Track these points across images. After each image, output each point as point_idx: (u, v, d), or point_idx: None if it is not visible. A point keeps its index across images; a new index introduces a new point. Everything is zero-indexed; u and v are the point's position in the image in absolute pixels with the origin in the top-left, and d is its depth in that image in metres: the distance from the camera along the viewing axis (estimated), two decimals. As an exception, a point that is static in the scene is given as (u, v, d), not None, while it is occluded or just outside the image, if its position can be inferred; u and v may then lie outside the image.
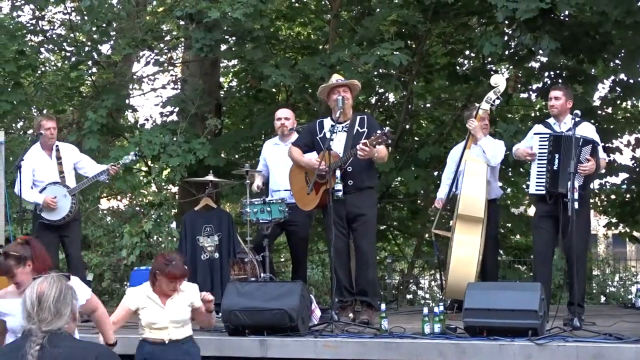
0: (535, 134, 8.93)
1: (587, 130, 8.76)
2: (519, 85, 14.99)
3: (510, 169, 13.80)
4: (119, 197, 16.67)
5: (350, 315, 8.82)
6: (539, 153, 8.70)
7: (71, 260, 10.00)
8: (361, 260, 9.03)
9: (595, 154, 8.53)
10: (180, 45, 17.42)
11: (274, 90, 15.68)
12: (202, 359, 7.91)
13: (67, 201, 9.80)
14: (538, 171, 8.70)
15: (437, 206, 9.88)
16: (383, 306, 8.28)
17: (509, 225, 15.42)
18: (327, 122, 8.97)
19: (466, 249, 8.87)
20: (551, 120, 8.97)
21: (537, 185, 8.71)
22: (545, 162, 8.60)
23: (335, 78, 9.24)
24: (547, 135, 8.69)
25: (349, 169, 8.71)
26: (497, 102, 9.75)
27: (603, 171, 9.80)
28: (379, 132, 8.54)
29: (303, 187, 8.94)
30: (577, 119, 8.55)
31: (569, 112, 8.77)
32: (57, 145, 10.10)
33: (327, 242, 9.18)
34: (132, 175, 14.25)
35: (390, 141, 8.95)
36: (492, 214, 9.46)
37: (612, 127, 14.07)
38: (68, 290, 3.98)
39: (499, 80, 9.55)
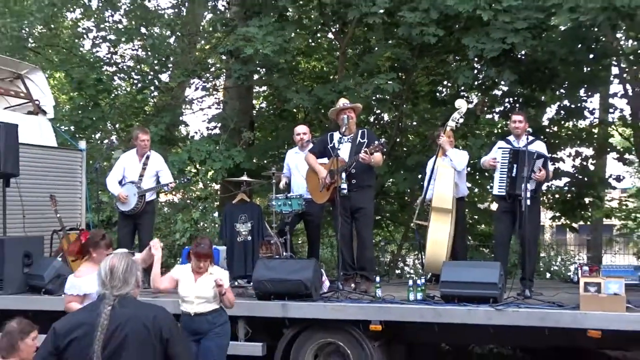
0: (498, 148, 8.94)
1: (540, 146, 8.80)
2: (485, 108, 15.04)
3: (477, 174, 13.78)
4: (173, 192, 16.71)
5: (352, 285, 8.81)
6: (501, 163, 8.70)
7: (141, 243, 10.04)
8: (361, 243, 9.05)
9: (546, 166, 8.57)
10: (222, 75, 17.47)
11: (295, 110, 15.71)
12: (238, 317, 8.04)
13: (134, 199, 9.88)
14: (500, 177, 8.69)
15: (418, 201, 9.87)
16: (378, 279, 8.32)
17: (476, 217, 15.40)
18: (336, 135, 8.98)
19: (439, 234, 8.86)
20: (511, 138, 8.96)
21: (499, 188, 8.71)
22: (506, 170, 8.61)
23: (343, 102, 9.25)
24: (508, 149, 8.70)
25: (353, 171, 8.72)
26: (461, 120, 9.71)
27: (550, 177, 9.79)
28: (376, 142, 8.59)
29: (317, 185, 8.97)
30: (530, 138, 8.62)
31: (525, 132, 8.79)
32: (148, 154, 10.16)
33: (335, 228, 9.17)
34: (185, 175, 14.29)
35: (385, 150, 8.99)
36: (460, 209, 9.47)
37: (557, 141, 14.03)
38: (133, 263, 4.02)
39: (461, 104, 9.50)
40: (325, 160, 9.05)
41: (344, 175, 8.62)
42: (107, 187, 10.28)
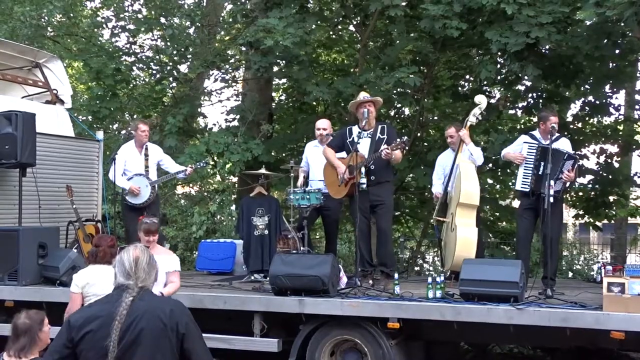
0: (524, 142, 8.84)
1: (565, 144, 8.69)
2: (508, 104, 14.94)
3: (499, 170, 13.71)
4: (191, 185, 16.77)
5: (370, 281, 8.78)
6: (527, 158, 8.63)
7: None
8: (381, 238, 9.03)
9: (575, 168, 8.47)
10: (241, 67, 17.46)
11: (314, 103, 15.69)
12: (254, 313, 8.05)
13: (147, 190, 9.94)
14: (524, 172, 8.62)
15: (438, 196, 9.80)
16: (396, 275, 8.27)
17: (497, 214, 15.33)
18: (355, 129, 8.97)
19: (468, 232, 8.82)
20: (536, 133, 8.89)
21: (522, 184, 8.65)
22: (532, 166, 8.52)
23: (363, 95, 9.23)
24: (536, 146, 8.61)
25: (372, 167, 8.71)
26: (481, 116, 9.66)
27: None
28: (399, 140, 8.57)
29: (335, 180, 8.96)
30: (556, 135, 8.51)
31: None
32: (147, 145, 10.22)
33: (353, 224, 9.17)
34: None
35: (407, 147, 8.96)
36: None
37: (581, 138, 13.94)
38: (152, 256, 4.03)
39: (481, 99, 9.41)
40: (343, 154, 9.03)
41: (362, 170, 8.60)
42: (114, 184, 10.23)
